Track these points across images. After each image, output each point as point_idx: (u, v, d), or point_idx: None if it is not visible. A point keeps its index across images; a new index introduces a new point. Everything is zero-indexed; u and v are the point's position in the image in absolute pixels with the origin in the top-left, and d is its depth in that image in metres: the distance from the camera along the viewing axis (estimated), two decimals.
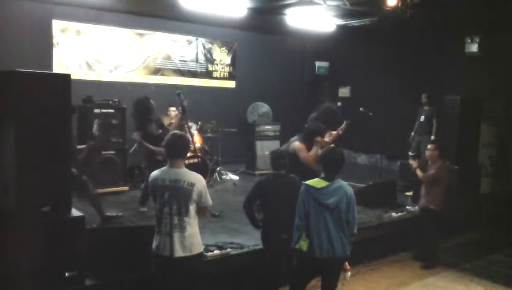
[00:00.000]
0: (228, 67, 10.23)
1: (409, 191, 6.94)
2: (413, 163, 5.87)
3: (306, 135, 5.32)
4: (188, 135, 6.79)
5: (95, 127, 5.42)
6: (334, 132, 6.26)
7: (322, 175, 3.80)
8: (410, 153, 6.05)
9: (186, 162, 6.92)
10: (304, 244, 3.70)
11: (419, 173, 5.73)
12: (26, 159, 3.35)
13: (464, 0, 6.80)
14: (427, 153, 5.86)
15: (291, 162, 4.95)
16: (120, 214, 5.43)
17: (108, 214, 5.34)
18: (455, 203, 6.65)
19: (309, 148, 5.24)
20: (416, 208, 6.12)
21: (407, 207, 6.52)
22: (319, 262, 3.69)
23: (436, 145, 5.81)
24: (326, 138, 6.21)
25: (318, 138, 5.22)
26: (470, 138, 7.22)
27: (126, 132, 7.19)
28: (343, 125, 6.15)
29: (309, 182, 3.80)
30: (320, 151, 5.16)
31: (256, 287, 4.47)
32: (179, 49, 9.44)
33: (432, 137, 8.39)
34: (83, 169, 5.04)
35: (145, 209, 5.74)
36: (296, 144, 5.30)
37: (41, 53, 7.69)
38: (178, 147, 3.47)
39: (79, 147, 5.08)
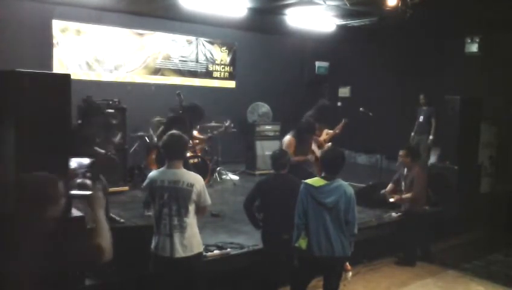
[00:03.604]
0: (228, 67, 10.23)
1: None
2: (393, 199, 5.89)
3: (297, 132, 5.53)
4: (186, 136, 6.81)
5: (118, 136, 5.44)
6: (331, 131, 6.29)
7: (322, 174, 3.81)
8: (390, 199, 6.00)
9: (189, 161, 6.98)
10: (303, 243, 3.70)
11: (406, 196, 5.70)
12: (26, 158, 3.35)
13: (464, 0, 6.81)
14: (400, 159, 5.86)
15: None
16: (122, 220, 5.42)
17: (112, 215, 5.34)
18: (455, 203, 6.67)
19: (299, 145, 5.44)
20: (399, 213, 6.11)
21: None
22: (318, 261, 3.68)
23: (406, 152, 5.77)
24: (324, 136, 6.25)
25: (309, 156, 5.51)
26: (470, 138, 7.22)
27: (126, 131, 7.21)
28: (340, 124, 6.18)
29: (308, 180, 3.81)
30: (317, 149, 5.32)
31: (256, 287, 4.47)
32: (179, 49, 9.44)
33: (431, 137, 8.42)
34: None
35: (151, 213, 5.75)
36: (286, 137, 5.56)
37: (41, 53, 7.69)
38: (176, 148, 3.46)
39: (97, 149, 5.07)
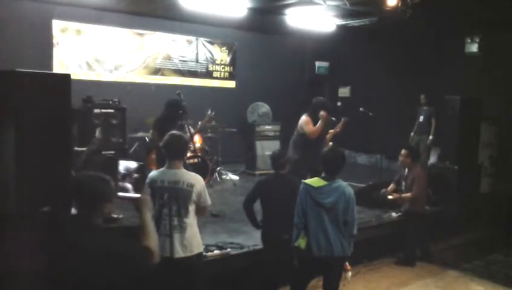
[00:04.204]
0: (228, 67, 10.23)
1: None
2: (392, 196, 5.89)
3: (312, 109, 5.58)
4: (188, 135, 6.79)
5: (97, 132, 5.46)
6: (332, 130, 6.29)
7: (322, 174, 3.80)
8: (388, 196, 6.00)
9: (186, 162, 6.96)
10: (302, 242, 3.70)
11: (406, 195, 5.71)
12: (26, 159, 3.35)
13: (464, 0, 6.81)
14: (400, 159, 5.86)
15: (299, 139, 5.47)
16: (121, 216, 5.44)
17: (112, 215, 5.35)
18: (455, 203, 6.67)
19: (315, 123, 5.48)
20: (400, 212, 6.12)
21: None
22: (317, 261, 3.68)
23: (407, 152, 5.77)
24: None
25: (323, 113, 5.45)
26: (470, 138, 7.21)
27: (126, 131, 7.20)
28: (340, 123, 6.18)
29: (308, 181, 3.80)
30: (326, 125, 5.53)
31: (256, 287, 4.46)
32: (179, 49, 9.44)
33: (430, 137, 8.43)
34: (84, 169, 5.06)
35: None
36: (302, 118, 5.60)
37: (41, 53, 7.69)
38: (177, 148, 3.46)
39: (77, 149, 5.08)
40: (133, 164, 2.68)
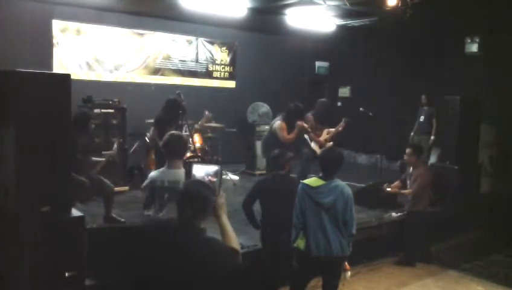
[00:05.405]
0: (228, 67, 10.23)
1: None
2: (390, 188, 5.90)
3: (287, 115, 5.73)
4: (188, 135, 6.80)
5: (114, 145, 5.55)
6: (333, 129, 6.32)
7: (320, 174, 3.80)
8: (386, 187, 6.03)
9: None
10: (301, 243, 3.70)
11: (406, 191, 5.73)
12: (26, 159, 3.35)
13: (464, 0, 6.81)
14: (406, 158, 5.86)
15: (273, 141, 5.59)
16: (123, 220, 5.44)
17: (113, 215, 5.35)
18: (455, 203, 6.67)
19: (289, 128, 5.64)
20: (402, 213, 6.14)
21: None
22: (316, 261, 3.68)
23: (412, 150, 5.79)
24: (324, 135, 6.28)
25: (300, 123, 5.64)
26: (470, 138, 7.22)
27: (126, 131, 7.20)
28: (341, 123, 6.21)
29: (306, 181, 3.81)
30: (300, 133, 5.77)
31: (256, 287, 4.46)
32: (179, 49, 9.44)
33: (432, 137, 8.43)
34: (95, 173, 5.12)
35: (151, 213, 5.74)
36: (277, 122, 5.74)
37: (41, 53, 7.69)
38: (177, 148, 3.46)
39: (95, 159, 5.13)
40: (211, 168, 2.68)
